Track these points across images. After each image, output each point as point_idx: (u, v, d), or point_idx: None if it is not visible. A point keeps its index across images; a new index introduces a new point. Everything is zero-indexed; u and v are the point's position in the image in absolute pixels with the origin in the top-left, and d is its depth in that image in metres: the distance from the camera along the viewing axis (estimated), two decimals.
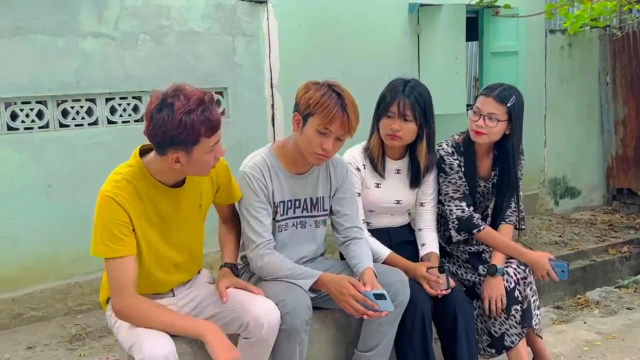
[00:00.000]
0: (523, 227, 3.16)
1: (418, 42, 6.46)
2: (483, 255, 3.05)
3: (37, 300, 4.52)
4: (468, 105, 6.06)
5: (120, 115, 4.85)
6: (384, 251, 2.86)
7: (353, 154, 2.94)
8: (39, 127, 4.56)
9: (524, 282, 2.92)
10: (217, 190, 2.51)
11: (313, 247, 2.77)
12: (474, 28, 7.08)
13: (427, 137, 2.86)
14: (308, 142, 2.48)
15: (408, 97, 2.77)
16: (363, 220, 2.89)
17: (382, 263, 2.82)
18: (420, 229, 3.02)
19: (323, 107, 2.42)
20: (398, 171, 2.97)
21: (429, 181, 3.00)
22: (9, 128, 4.46)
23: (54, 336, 4.33)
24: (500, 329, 2.92)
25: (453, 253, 3.13)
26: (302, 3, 5.66)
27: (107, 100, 4.80)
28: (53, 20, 4.50)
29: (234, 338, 2.33)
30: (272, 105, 5.53)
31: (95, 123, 4.76)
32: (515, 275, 2.92)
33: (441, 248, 3.08)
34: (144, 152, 2.31)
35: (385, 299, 2.40)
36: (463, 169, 3.00)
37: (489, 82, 7.08)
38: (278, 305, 2.35)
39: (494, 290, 2.87)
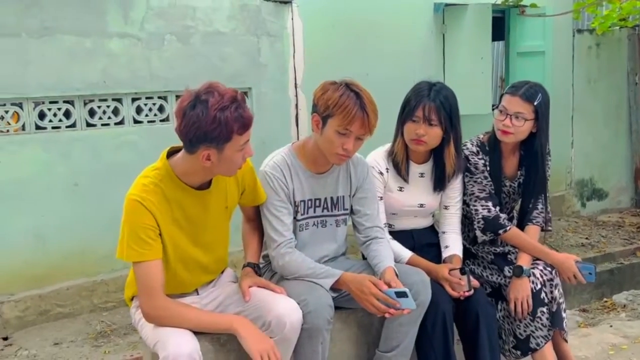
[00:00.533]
0: (550, 228, 3.12)
1: (443, 42, 6.43)
2: (509, 256, 3.03)
3: (64, 297, 4.58)
4: (494, 106, 6.02)
5: (146, 115, 4.90)
6: (406, 253, 2.85)
7: (376, 158, 2.92)
8: (67, 127, 4.62)
9: (551, 284, 2.89)
10: (242, 192, 2.52)
11: (334, 246, 2.77)
12: (500, 27, 7.03)
13: (454, 141, 2.83)
14: (329, 143, 2.48)
15: (433, 101, 2.74)
16: (385, 223, 2.88)
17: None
18: (444, 232, 3.00)
19: (342, 107, 2.41)
20: (422, 175, 2.95)
21: (455, 185, 2.98)
22: (37, 127, 4.52)
23: (79, 333, 4.38)
24: (525, 331, 2.89)
25: (478, 254, 3.10)
26: (327, 3, 5.67)
27: (133, 100, 4.85)
28: (80, 21, 4.55)
29: None
30: (296, 105, 5.54)
31: (121, 123, 4.81)
32: (542, 276, 2.89)
33: (466, 249, 3.06)
34: (170, 154, 2.33)
35: (407, 296, 2.40)
36: (488, 169, 2.98)
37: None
38: (300, 305, 2.36)
39: (520, 291, 2.85)
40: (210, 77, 5.01)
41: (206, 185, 2.36)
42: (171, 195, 2.26)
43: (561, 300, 2.92)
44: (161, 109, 4.97)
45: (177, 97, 4.95)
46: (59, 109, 4.58)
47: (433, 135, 2.77)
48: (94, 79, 4.64)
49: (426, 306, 2.60)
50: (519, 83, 2.94)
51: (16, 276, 4.43)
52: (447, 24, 6.38)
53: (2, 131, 4.42)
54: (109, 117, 4.76)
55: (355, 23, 5.82)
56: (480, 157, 2.98)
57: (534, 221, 3.05)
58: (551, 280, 2.90)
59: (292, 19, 5.46)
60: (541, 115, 2.87)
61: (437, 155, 2.89)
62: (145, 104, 4.89)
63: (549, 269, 2.92)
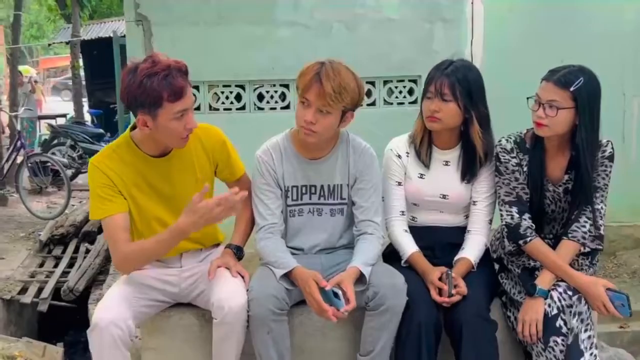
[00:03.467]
0: (599, 246, 2.53)
1: None
2: (536, 273, 2.54)
3: None
4: None
5: None
6: (409, 249, 2.59)
7: (396, 141, 2.72)
8: (237, 109, 4.99)
9: (570, 311, 2.39)
10: (216, 166, 2.53)
11: (324, 236, 2.63)
12: None
13: (478, 119, 2.52)
14: (296, 117, 2.43)
15: (447, 77, 2.48)
16: (402, 212, 2.65)
17: (404, 262, 2.58)
18: (468, 231, 2.66)
19: (302, 76, 2.38)
20: (447, 163, 2.65)
21: (484, 175, 2.62)
22: (211, 108, 4.96)
23: None
24: None
25: (508, 266, 2.67)
26: None
27: None
28: (252, 10, 4.87)
29: None
30: None
31: (287, 107, 5.03)
32: (560, 301, 2.40)
33: (500, 259, 2.68)
34: None
35: (339, 298, 2.24)
36: (525, 169, 2.54)
37: None
38: (248, 291, 2.33)
39: (529, 313, 2.40)
40: (377, 65, 5.05)
41: (166, 154, 2.42)
42: (128, 161, 2.40)
43: (587, 335, 2.38)
44: None
45: None
46: (231, 92, 4.96)
47: (447, 111, 2.49)
48: (263, 65, 4.93)
49: (397, 312, 2.37)
50: (559, 67, 2.46)
51: None
52: None
53: None
54: (276, 102, 5.03)
55: (549, 6, 5.27)
56: (513, 155, 2.55)
57: (570, 236, 2.52)
58: (570, 307, 2.39)
59: (472, 2, 5.15)
60: (582, 104, 2.38)
61: (465, 140, 2.58)
62: None
63: (571, 293, 2.41)
